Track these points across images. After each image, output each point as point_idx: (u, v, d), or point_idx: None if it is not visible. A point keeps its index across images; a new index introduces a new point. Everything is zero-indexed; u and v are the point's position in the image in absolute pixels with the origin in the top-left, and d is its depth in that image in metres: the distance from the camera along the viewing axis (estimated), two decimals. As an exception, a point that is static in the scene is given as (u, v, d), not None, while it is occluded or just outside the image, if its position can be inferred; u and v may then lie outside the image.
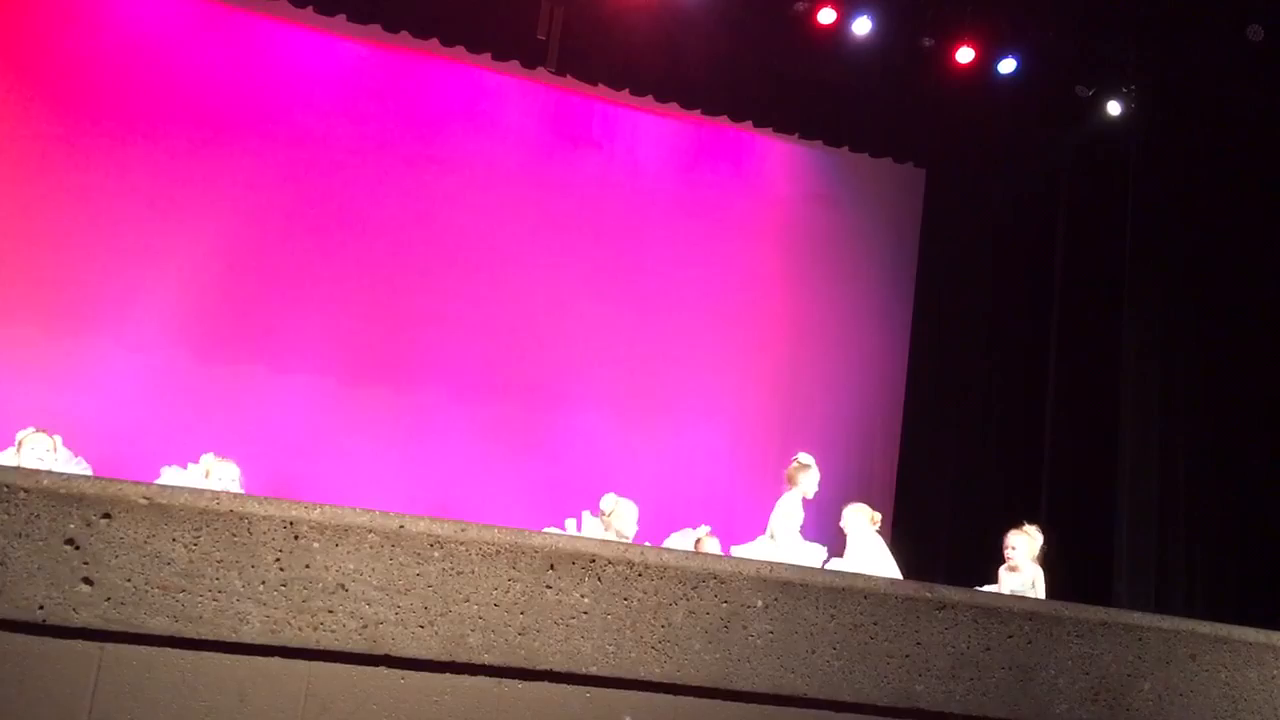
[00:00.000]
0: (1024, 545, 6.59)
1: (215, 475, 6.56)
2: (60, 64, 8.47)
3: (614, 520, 7.01)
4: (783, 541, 6.82)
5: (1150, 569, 8.84)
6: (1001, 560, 6.68)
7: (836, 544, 6.95)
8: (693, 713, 3.01)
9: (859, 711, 3.12)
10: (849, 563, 6.69)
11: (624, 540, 6.72)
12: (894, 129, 10.07)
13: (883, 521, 9.05)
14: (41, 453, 6.05)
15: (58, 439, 6.20)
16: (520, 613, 2.91)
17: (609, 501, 7.12)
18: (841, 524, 6.99)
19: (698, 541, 7.16)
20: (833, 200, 10.52)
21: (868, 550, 6.74)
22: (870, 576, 3.33)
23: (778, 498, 7.01)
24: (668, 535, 7.45)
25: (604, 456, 8.92)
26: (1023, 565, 6.59)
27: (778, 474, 7.49)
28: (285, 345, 8.72)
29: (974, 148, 10.17)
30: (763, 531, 7.00)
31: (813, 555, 6.85)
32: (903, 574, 6.63)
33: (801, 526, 6.90)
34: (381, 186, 9.20)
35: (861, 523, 6.86)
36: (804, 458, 7.05)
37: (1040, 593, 6.56)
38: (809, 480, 6.95)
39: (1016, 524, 6.78)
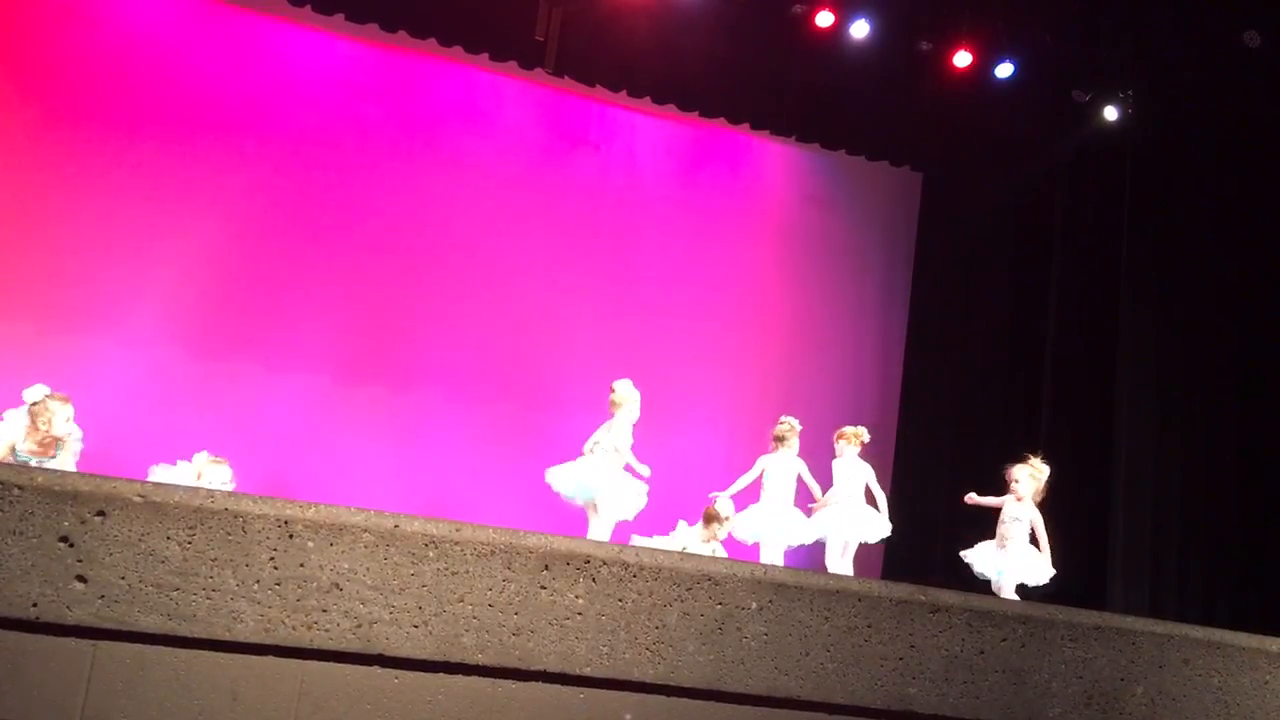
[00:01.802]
0: (1025, 479, 6.69)
1: (207, 478, 6.48)
2: (57, 62, 8.45)
3: (725, 529, 7.02)
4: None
5: (1145, 573, 8.86)
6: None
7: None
8: (686, 714, 3.01)
9: (852, 714, 3.13)
10: (837, 482, 6.96)
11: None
12: (891, 132, 10.07)
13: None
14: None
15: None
16: (515, 613, 2.91)
17: (727, 506, 7.03)
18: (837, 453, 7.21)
19: (714, 519, 7.04)
20: (830, 202, 10.52)
21: (854, 471, 7.01)
22: (866, 581, 3.33)
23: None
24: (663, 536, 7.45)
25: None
26: (1025, 497, 6.69)
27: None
28: (281, 344, 8.71)
29: (971, 151, 10.17)
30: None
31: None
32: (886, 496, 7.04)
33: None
34: (378, 185, 9.19)
35: (851, 448, 7.11)
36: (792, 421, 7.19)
37: (1040, 533, 6.64)
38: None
39: (1022, 458, 6.82)
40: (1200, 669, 3.42)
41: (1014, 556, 6.50)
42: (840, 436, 7.14)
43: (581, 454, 6.84)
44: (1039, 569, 6.50)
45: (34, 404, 6.10)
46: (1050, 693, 3.27)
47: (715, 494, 7.03)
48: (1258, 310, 9.00)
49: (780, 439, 7.13)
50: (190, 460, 6.63)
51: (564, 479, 6.83)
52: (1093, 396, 9.36)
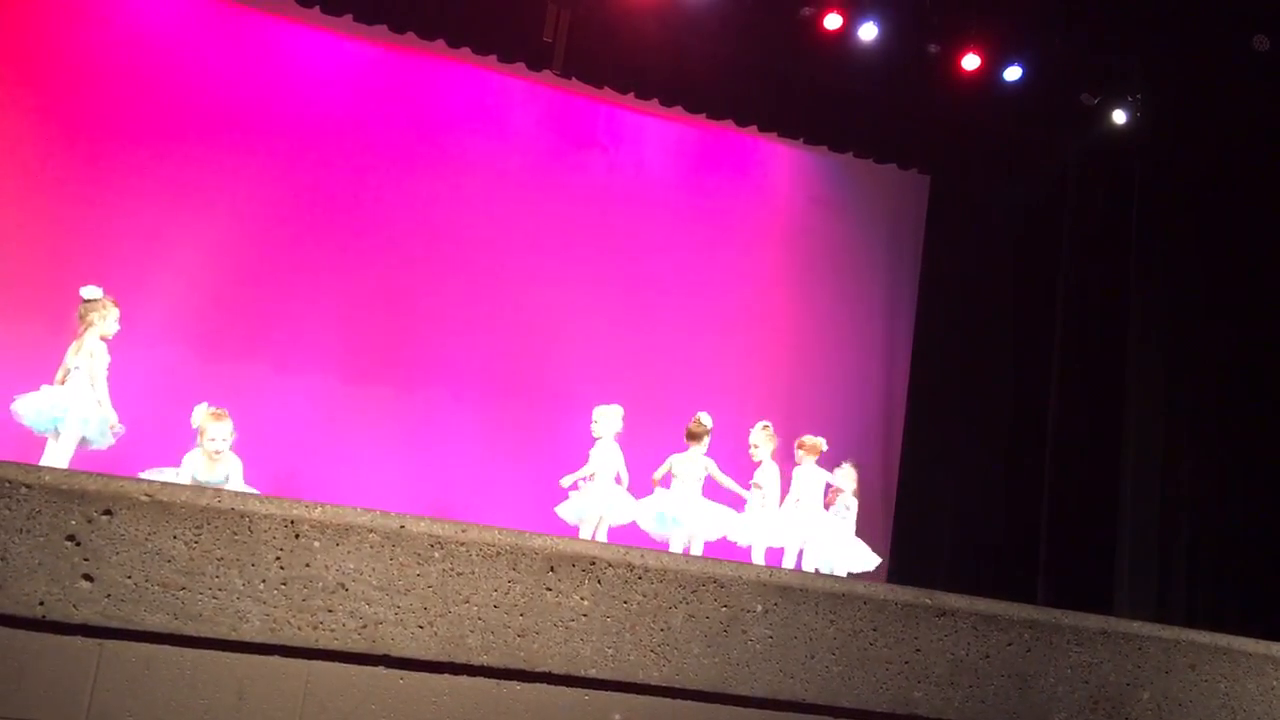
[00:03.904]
0: (760, 439, 7.59)
1: (210, 434, 6.37)
2: (67, 63, 8.47)
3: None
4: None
5: (1152, 578, 8.83)
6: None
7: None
8: (691, 716, 3.01)
9: (858, 717, 3.12)
10: (797, 488, 7.50)
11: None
12: (899, 134, 10.05)
13: (882, 526, 9.45)
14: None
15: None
16: (520, 614, 2.91)
17: (708, 419, 7.60)
18: (797, 455, 7.68)
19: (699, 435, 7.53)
20: (837, 205, 10.50)
21: (814, 479, 7.54)
22: (871, 584, 3.33)
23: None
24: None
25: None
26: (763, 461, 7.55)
27: (781, 475, 7.68)
28: (289, 344, 8.72)
29: (979, 155, 10.15)
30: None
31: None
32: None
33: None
34: (386, 187, 9.19)
35: (810, 458, 7.61)
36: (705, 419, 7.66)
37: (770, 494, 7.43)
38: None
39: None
40: (1207, 674, 3.41)
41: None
42: (799, 446, 7.64)
43: (576, 486, 7.39)
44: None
45: (91, 300, 6.42)
46: (1056, 697, 3.27)
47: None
48: (1267, 314, 8.98)
49: (756, 446, 7.63)
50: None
51: (573, 510, 7.36)
52: (1101, 399, 9.34)
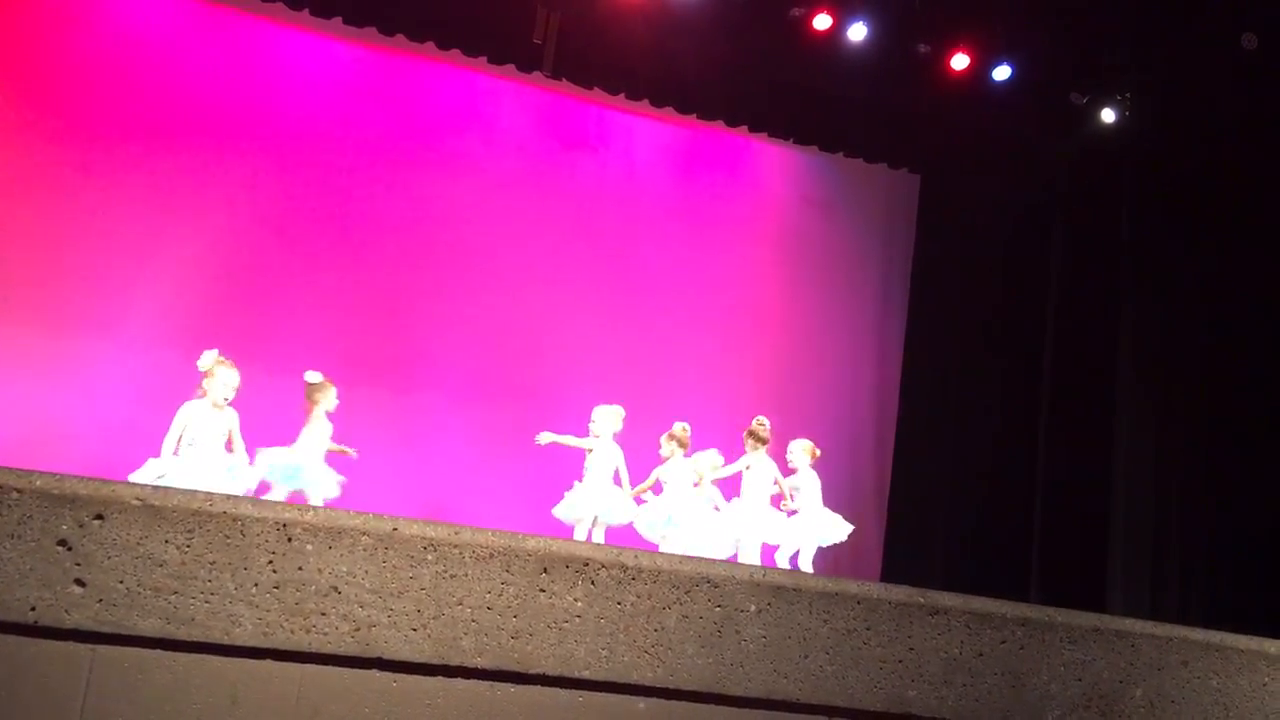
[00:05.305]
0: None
1: (222, 379, 6.39)
2: (57, 66, 8.44)
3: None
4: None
5: (1144, 576, 8.86)
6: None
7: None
8: (685, 717, 3.01)
9: (852, 717, 3.13)
10: (801, 487, 7.69)
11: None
12: (889, 135, 10.07)
13: (876, 525, 9.48)
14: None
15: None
16: (513, 616, 2.91)
17: (686, 427, 7.69)
18: (788, 457, 7.84)
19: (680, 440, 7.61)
20: (827, 205, 10.51)
21: (809, 481, 7.73)
22: (865, 583, 3.33)
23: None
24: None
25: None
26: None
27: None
28: (280, 347, 8.69)
29: (969, 154, 10.17)
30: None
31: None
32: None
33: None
34: (377, 189, 9.18)
35: (805, 459, 7.80)
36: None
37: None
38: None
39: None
40: (1199, 671, 3.42)
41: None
42: (801, 447, 7.86)
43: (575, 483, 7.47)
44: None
45: (318, 384, 6.67)
46: (1049, 695, 3.27)
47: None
48: (1259, 311, 9.01)
49: (763, 440, 7.71)
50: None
51: (567, 509, 7.40)
52: (1092, 398, 9.37)
